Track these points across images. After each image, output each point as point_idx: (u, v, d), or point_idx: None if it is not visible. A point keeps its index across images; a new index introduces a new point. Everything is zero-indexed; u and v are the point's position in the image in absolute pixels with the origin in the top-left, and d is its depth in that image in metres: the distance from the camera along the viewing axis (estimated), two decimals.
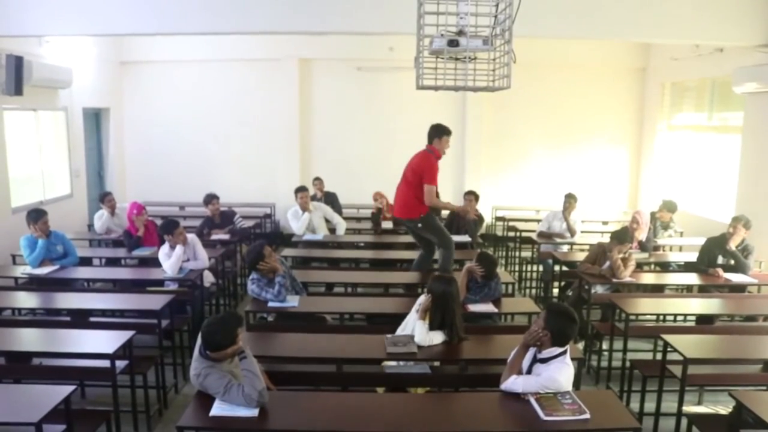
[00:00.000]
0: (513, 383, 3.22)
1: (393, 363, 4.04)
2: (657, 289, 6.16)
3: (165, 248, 5.79)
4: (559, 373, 3.20)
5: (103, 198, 7.59)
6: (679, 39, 7.32)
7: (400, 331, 4.18)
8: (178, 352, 5.21)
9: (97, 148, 10.10)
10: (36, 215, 5.88)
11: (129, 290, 5.75)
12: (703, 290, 5.88)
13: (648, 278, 6.12)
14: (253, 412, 2.99)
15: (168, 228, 5.77)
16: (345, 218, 8.14)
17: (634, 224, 6.55)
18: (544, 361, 3.25)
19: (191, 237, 5.95)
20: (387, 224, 8.10)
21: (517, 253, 8.62)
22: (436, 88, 3.54)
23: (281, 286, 4.78)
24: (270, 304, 4.77)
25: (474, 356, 3.98)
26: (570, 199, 7.53)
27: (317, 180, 8.87)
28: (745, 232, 5.86)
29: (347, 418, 3.07)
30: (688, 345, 4.03)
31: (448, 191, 9.48)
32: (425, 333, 3.95)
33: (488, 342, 4.25)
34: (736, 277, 5.79)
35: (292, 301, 4.81)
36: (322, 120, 10.47)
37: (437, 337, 3.97)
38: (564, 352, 3.26)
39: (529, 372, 3.31)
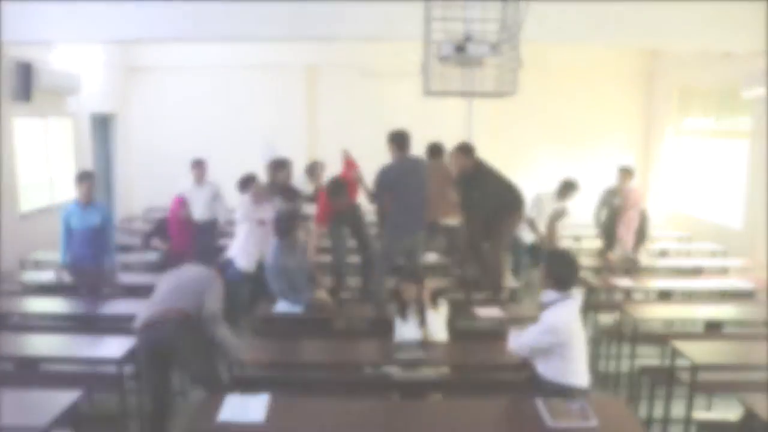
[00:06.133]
0: (513, 343, 3.48)
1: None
2: (664, 295, 6.12)
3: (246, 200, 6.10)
4: (547, 315, 3.31)
5: None
6: (686, 45, 7.30)
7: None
8: None
9: (105, 153, 10.13)
10: (83, 176, 5.78)
11: (137, 295, 5.75)
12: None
13: (656, 284, 6.07)
14: (260, 418, 2.99)
15: (248, 183, 6.25)
16: None
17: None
18: (545, 307, 3.37)
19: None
20: None
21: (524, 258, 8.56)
22: (443, 94, 3.54)
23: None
24: (277, 308, 4.80)
25: (481, 362, 3.96)
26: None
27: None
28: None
29: (354, 424, 3.07)
30: (696, 351, 4.01)
31: None
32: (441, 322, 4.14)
33: (495, 348, 4.23)
34: (738, 283, 5.71)
35: (298, 306, 4.82)
36: (329, 126, 10.48)
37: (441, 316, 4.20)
38: (562, 298, 3.33)
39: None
